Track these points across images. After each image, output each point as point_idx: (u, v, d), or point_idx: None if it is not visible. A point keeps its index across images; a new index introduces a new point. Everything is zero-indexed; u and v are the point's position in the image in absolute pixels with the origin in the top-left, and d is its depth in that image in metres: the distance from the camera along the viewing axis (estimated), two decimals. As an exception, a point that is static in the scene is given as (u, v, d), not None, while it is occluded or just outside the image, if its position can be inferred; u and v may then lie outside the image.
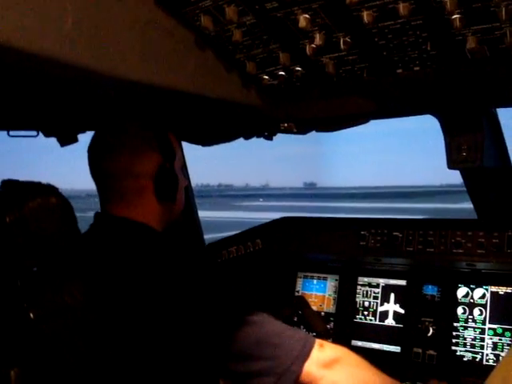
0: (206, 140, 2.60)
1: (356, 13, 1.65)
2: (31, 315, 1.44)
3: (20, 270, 1.53)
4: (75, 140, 2.49)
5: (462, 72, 1.87)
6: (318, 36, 1.80)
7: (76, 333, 1.50)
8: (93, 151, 1.92)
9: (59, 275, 1.57)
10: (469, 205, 2.83)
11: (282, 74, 2.09)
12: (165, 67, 1.85)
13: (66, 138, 2.53)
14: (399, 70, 1.92)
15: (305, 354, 1.68)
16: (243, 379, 1.71)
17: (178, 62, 1.90)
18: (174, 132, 2.05)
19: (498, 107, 2.26)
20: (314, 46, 1.84)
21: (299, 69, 2.05)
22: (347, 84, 2.07)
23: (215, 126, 2.52)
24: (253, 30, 1.86)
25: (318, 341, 1.75)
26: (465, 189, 2.71)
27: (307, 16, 1.72)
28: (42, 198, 1.56)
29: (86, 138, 2.52)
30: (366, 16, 1.64)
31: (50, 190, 1.60)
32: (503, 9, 1.50)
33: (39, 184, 1.61)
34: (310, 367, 1.67)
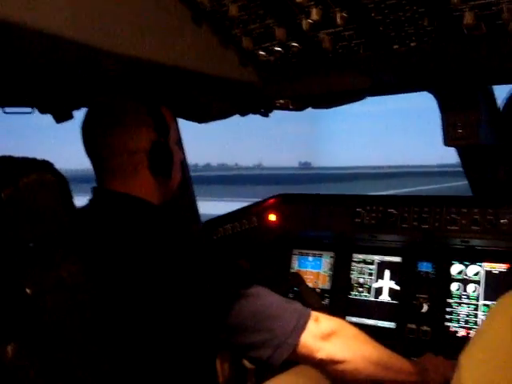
0: (202, 116, 2.59)
1: None
2: (28, 291, 1.44)
3: (16, 247, 1.53)
4: (70, 117, 2.48)
5: (458, 48, 1.86)
6: (314, 11, 1.79)
7: (73, 308, 1.50)
8: (86, 128, 1.91)
9: (56, 251, 1.57)
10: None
11: (278, 50, 2.07)
12: (161, 43, 1.83)
13: (61, 115, 2.52)
14: (396, 46, 1.91)
15: (301, 326, 1.70)
16: (241, 351, 1.73)
17: (174, 37, 1.89)
18: (170, 108, 2.04)
19: (494, 84, 2.25)
20: (310, 21, 1.83)
21: (295, 44, 2.03)
22: (343, 60, 2.06)
23: (211, 103, 2.51)
24: (249, 4, 1.84)
25: (313, 313, 1.77)
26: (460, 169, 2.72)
27: None
28: (38, 173, 1.55)
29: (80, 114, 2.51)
30: None
31: (45, 166, 1.59)
32: None
33: (34, 160, 1.60)
34: (307, 339, 1.70)
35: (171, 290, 1.66)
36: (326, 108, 2.35)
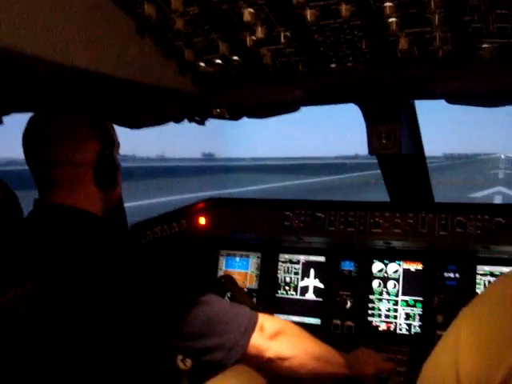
0: (136, 123, 2.58)
1: (299, 11, 1.72)
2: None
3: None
4: (0, 122, 2.38)
5: (388, 68, 2.01)
6: (259, 29, 1.85)
7: (30, 324, 1.49)
8: (29, 139, 1.86)
9: (7, 267, 1.54)
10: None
11: (218, 63, 2.12)
12: (104, 53, 1.82)
13: None
14: (333, 65, 2.02)
15: (250, 328, 1.80)
16: (196, 355, 1.79)
17: (118, 48, 1.88)
18: (105, 115, 2.03)
19: (416, 99, 2.43)
20: (254, 38, 1.90)
21: (236, 58, 2.08)
22: (281, 74, 2.14)
23: (147, 110, 2.51)
24: (195, 19, 1.87)
25: (260, 315, 1.87)
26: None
27: (252, 10, 1.77)
28: None
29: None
30: (309, 14, 1.72)
31: None
32: (436, 16, 1.64)
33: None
34: (256, 340, 1.80)
35: (124, 300, 1.68)
36: (261, 118, 2.43)
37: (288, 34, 1.87)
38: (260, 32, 1.86)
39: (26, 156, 1.86)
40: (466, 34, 1.72)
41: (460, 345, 1.13)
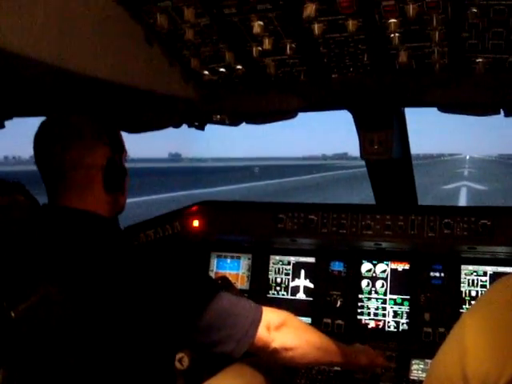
0: (136, 128, 2.62)
1: (307, 25, 1.82)
2: (12, 314, 1.45)
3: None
4: (2, 126, 2.40)
5: (385, 78, 2.12)
6: (267, 41, 1.94)
7: (56, 327, 1.53)
8: (42, 140, 1.90)
9: (30, 270, 1.59)
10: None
11: (222, 71, 2.20)
12: (113, 61, 1.88)
13: None
14: (334, 75, 2.13)
15: (257, 320, 1.90)
16: (207, 348, 1.87)
17: (126, 56, 1.94)
18: (114, 121, 2.08)
19: (406, 107, 2.56)
20: (260, 49, 1.99)
21: (240, 67, 2.17)
22: (283, 83, 2.23)
23: (148, 115, 2.56)
24: (205, 30, 1.94)
25: (264, 307, 1.97)
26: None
27: (261, 23, 1.85)
28: (10, 196, 1.56)
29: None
30: (316, 28, 1.81)
31: (17, 188, 1.59)
32: (436, 32, 1.76)
33: (6, 182, 1.59)
34: (262, 331, 1.90)
35: (143, 299, 1.74)
36: (260, 124, 2.51)
37: (294, 45, 1.97)
38: (267, 43, 1.95)
39: (36, 158, 1.90)
40: (463, 49, 1.85)
41: (466, 346, 1.18)
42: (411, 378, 2.71)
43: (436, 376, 1.29)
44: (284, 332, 1.97)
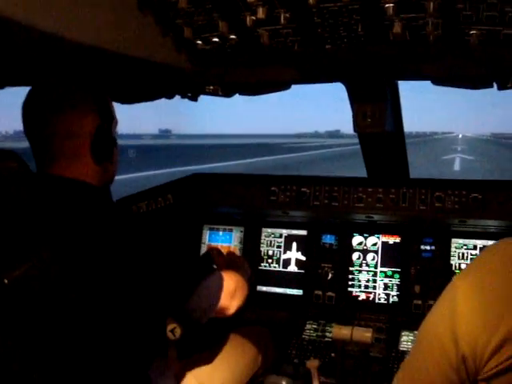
0: (128, 98, 2.60)
1: None
2: (5, 281, 1.46)
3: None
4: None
5: (379, 49, 2.11)
6: (261, 10, 1.92)
7: (49, 294, 1.54)
8: (30, 108, 1.88)
9: (23, 237, 1.59)
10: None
11: (215, 41, 2.18)
12: (104, 29, 1.85)
13: None
14: (328, 46, 2.11)
15: (219, 289, 2.02)
16: (182, 316, 1.99)
17: (117, 23, 1.91)
18: (104, 89, 2.07)
19: (400, 80, 2.55)
20: (254, 18, 1.96)
21: (233, 37, 2.14)
22: (276, 54, 2.21)
23: (140, 85, 2.54)
24: None
25: (222, 274, 2.08)
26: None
27: None
28: (2, 163, 1.55)
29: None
30: None
31: (8, 155, 1.58)
32: (431, 3, 1.74)
33: (-2, 149, 1.58)
34: (223, 300, 2.03)
35: (130, 268, 1.76)
36: (253, 95, 2.50)
37: (288, 15, 1.94)
38: (261, 13, 1.92)
39: (25, 128, 1.89)
40: (457, 21, 1.83)
41: (456, 307, 1.21)
42: (401, 349, 2.76)
43: (426, 336, 1.32)
44: (237, 298, 2.10)
